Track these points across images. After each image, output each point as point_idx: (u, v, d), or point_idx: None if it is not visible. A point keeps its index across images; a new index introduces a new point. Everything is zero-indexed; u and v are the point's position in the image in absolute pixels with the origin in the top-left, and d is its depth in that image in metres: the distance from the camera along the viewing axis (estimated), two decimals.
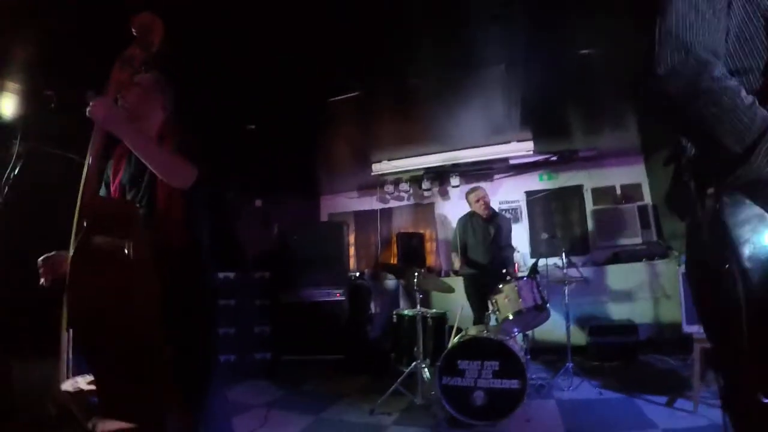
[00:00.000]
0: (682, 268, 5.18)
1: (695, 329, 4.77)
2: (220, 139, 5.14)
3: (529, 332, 5.04)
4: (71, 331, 1.64)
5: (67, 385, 1.78)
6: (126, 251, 1.60)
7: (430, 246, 7.83)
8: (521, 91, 4.77)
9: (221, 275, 5.82)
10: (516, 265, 6.20)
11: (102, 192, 2.12)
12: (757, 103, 1.02)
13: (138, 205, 1.92)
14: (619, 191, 7.22)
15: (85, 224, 1.63)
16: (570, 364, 4.66)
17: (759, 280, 1.02)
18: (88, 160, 1.77)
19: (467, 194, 5.41)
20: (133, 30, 1.92)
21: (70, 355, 2.00)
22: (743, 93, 1.03)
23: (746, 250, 1.03)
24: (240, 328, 5.86)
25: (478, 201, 5.22)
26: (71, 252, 1.62)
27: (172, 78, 2.27)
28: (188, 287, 1.92)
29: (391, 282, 7.41)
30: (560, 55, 4.04)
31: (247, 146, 5.62)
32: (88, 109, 1.77)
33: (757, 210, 1.04)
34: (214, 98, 4.36)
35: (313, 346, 6.14)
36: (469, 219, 5.34)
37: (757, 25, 1.12)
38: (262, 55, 3.82)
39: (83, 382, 1.75)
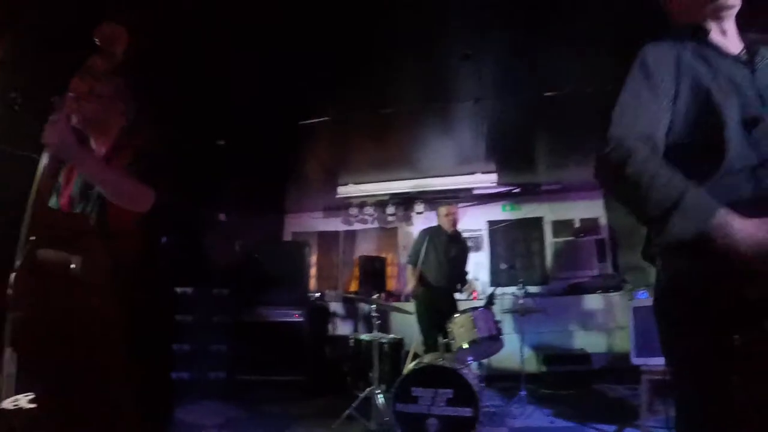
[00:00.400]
0: (634, 302, 5.34)
1: (643, 361, 4.93)
2: (186, 152, 5.09)
3: (485, 360, 5.08)
4: (14, 348, 1.58)
5: (7, 404, 1.71)
6: (74, 266, 1.57)
7: (391, 270, 7.86)
8: (488, 125, 4.94)
9: (179, 290, 5.68)
10: (475, 292, 6.29)
11: (53, 201, 2.06)
12: (675, 177, 1.19)
13: (88, 218, 1.87)
14: (578, 224, 7.43)
15: (32, 238, 1.59)
16: (524, 392, 4.72)
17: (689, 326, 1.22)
18: (39, 173, 1.72)
19: (439, 207, 5.36)
20: (96, 40, 1.89)
21: (13, 373, 1.92)
22: (662, 171, 1.21)
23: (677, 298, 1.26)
24: (196, 346, 5.71)
25: (448, 215, 5.17)
26: (17, 266, 1.57)
27: (137, 88, 2.24)
28: (142, 303, 1.87)
29: (350, 305, 7.36)
30: (527, 93, 4.22)
31: (216, 160, 5.57)
32: (42, 134, 1.73)
33: (684, 264, 1.23)
34: (184, 110, 4.32)
35: (270, 367, 5.98)
36: (433, 232, 5.24)
37: (701, 105, 1.30)
38: (238, 71, 3.84)
39: (24, 401, 1.68)
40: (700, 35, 1.42)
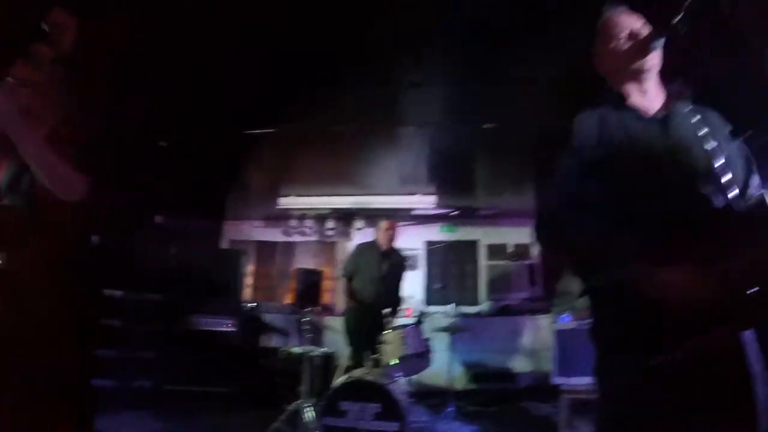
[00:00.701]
0: (557, 325, 5.61)
1: (563, 380, 5.18)
2: (126, 150, 4.94)
3: (415, 376, 5.17)
4: None
5: None
6: (1, 262, 1.53)
7: (328, 284, 7.85)
8: (431, 150, 5.18)
9: (107, 293, 5.43)
10: (409, 310, 6.40)
11: None
12: (600, 230, 1.39)
13: (16, 211, 1.81)
14: (511, 249, 7.72)
15: None
16: (451, 408, 4.83)
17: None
18: None
19: (380, 222, 5.30)
20: (45, 26, 1.83)
21: None
22: (589, 227, 1.41)
23: None
24: (122, 352, 5.44)
25: (387, 230, 5.09)
26: None
27: (81, 80, 2.19)
28: (66, 303, 1.82)
29: (284, 316, 7.29)
30: (468, 124, 4.47)
31: (157, 161, 5.43)
32: None
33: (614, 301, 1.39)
34: (127, 107, 4.21)
35: (200, 377, 5.78)
36: (365, 247, 5.22)
37: (619, 163, 1.47)
38: (187, 73, 3.81)
39: None
40: (619, 101, 1.58)
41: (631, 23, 1.60)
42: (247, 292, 7.85)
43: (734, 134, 1.56)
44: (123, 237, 6.10)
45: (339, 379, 4.13)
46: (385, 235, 5.12)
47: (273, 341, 7.08)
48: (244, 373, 6.08)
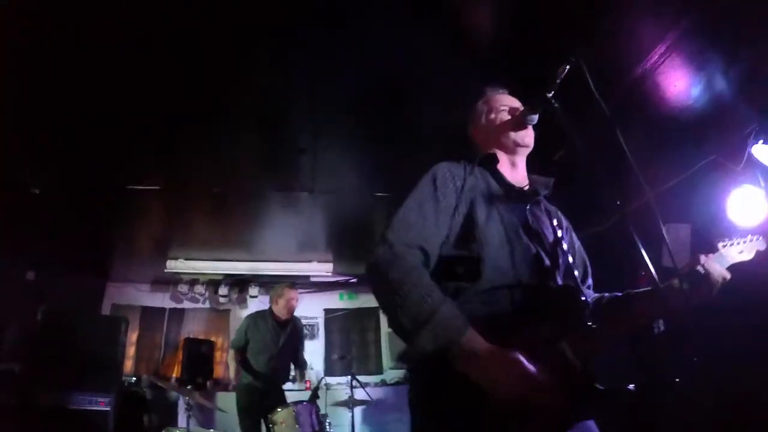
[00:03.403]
0: None
1: None
2: None
3: None
4: None
5: None
6: None
7: (220, 356, 7.36)
8: (324, 216, 5.18)
9: None
10: (308, 382, 6.11)
11: None
12: (434, 292, 1.27)
13: None
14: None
15: None
16: None
17: None
18: None
19: (277, 288, 5.07)
20: None
21: None
22: (423, 283, 1.29)
23: None
24: None
25: (287, 300, 4.88)
26: None
27: None
28: None
29: (170, 393, 6.67)
30: (359, 192, 4.57)
31: (28, 210, 4.89)
32: None
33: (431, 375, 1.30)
34: None
35: None
36: (259, 317, 4.96)
37: (471, 223, 1.43)
38: (66, 119, 3.48)
39: None
40: (490, 162, 1.62)
41: (511, 102, 1.76)
42: (127, 365, 7.11)
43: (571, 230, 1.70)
44: None
45: None
46: (283, 304, 4.90)
47: (155, 422, 6.42)
48: None
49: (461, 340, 1.19)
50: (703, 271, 1.30)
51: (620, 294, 1.58)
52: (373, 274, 1.37)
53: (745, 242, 1.43)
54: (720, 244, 1.42)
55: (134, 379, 6.65)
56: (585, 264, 1.69)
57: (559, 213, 1.71)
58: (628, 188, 1.74)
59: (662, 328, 3.34)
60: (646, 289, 1.43)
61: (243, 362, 4.83)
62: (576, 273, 1.52)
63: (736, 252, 1.41)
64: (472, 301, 1.32)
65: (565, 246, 1.55)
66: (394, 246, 1.34)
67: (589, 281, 1.68)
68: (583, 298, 1.47)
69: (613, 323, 1.34)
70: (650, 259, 1.30)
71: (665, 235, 1.46)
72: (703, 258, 1.33)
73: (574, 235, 1.72)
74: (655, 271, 1.28)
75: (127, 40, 2.72)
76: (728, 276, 1.34)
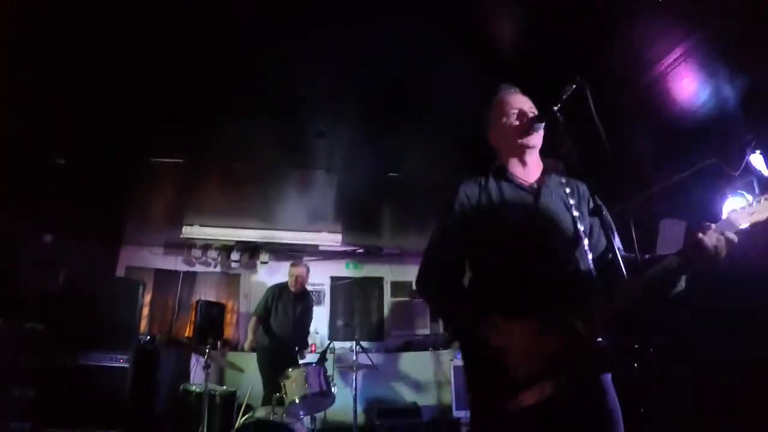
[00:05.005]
0: (455, 361, 5.93)
1: (462, 414, 5.49)
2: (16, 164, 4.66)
3: (319, 413, 5.23)
4: None
5: None
6: None
7: (230, 318, 7.69)
8: (337, 192, 5.46)
9: None
10: (313, 345, 6.46)
11: None
12: (458, 296, 1.75)
13: None
14: (414, 286, 8.04)
15: None
16: None
17: None
18: None
19: (291, 265, 5.76)
20: None
21: None
22: (451, 291, 1.76)
23: None
24: None
25: (294, 277, 5.58)
26: None
27: None
28: None
29: (183, 351, 7.01)
30: (373, 171, 4.85)
31: (52, 178, 5.12)
32: None
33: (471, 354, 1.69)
34: (24, 120, 4.02)
35: (86, 418, 5.27)
36: (280, 290, 5.64)
37: (487, 227, 1.75)
38: (93, 96, 3.68)
39: None
40: (500, 172, 1.86)
41: (522, 104, 1.87)
42: (143, 324, 7.44)
43: (598, 205, 1.72)
44: (3, 256, 5.60)
45: (242, 419, 4.11)
46: (291, 280, 5.59)
47: (172, 378, 6.77)
48: (136, 413, 5.76)
49: (483, 328, 1.57)
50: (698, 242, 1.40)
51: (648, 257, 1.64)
52: (417, 287, 1.85)
53: (759, 202, 1.41)
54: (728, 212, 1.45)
55: (148, 338, 6.90)
56: (609, 236, 1.63)
57: (582, 189, 1.85)
58: (626, 189, 1.96)
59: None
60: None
61: (265, 328, 5.48)
62: (589, 253, 1.68)
63: (747, 214, 1.41)
64: (495, 290, 1.65)
65: (581, 227, 1.71)
66: (431, 264, 1.81)
67: (616, 248, 1.59)
68: (593, 276, 1.63)
69: (627, 293, 1.49)
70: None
71: (661, 229, 1.67)
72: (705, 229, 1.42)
73: (599, 209, 1.71)
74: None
75: (158, 19, 2.86)
76: (730, 239, 1.40)
